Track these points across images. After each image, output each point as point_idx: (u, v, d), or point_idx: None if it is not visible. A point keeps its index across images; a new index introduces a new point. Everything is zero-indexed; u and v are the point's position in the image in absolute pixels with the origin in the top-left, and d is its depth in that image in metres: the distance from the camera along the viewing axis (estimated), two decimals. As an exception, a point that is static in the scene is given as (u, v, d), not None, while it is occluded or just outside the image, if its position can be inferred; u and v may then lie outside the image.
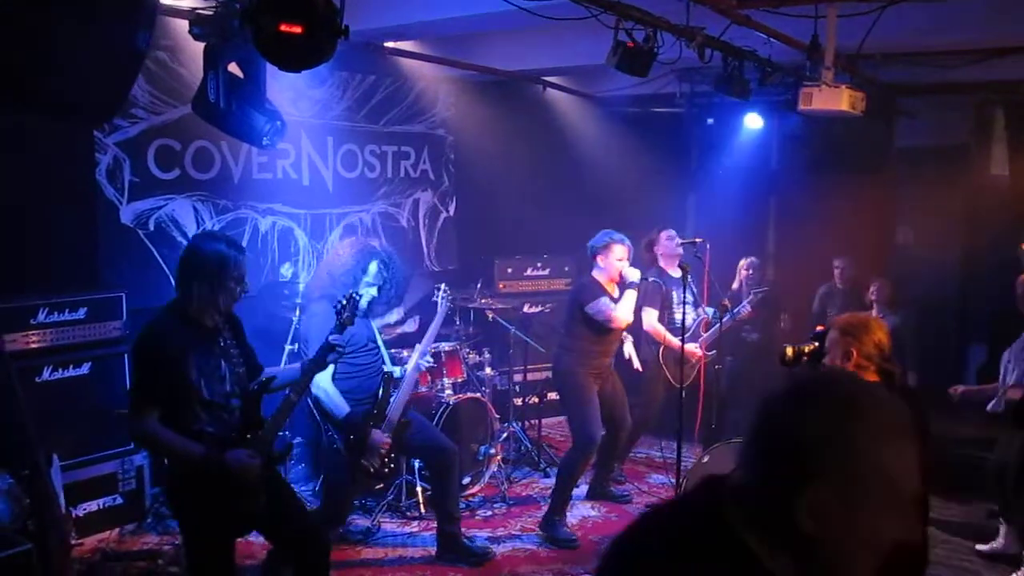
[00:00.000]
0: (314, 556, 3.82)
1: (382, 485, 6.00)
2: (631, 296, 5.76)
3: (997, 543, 5.35)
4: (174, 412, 3.40)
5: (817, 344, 3.48)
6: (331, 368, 4.78)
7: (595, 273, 5.87)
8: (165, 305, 3.58)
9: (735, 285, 7.63)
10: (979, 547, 5.42)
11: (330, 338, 3.81)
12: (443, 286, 5.49)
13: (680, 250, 6.37)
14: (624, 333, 6.19)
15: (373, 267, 4.99)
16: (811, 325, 7.63)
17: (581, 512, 6.13)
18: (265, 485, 3.57)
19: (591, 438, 5.74)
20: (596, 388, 5.84)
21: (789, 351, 3.55)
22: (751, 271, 7.68)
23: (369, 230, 7.40)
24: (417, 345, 5.44)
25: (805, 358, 3.53)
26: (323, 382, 4.76)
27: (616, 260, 5.76)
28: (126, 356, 5.52)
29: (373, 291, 4.99)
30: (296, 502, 3.91)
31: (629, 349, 6.50)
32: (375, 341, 5.12)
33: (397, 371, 5.23)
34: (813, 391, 1.37)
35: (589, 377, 5.81)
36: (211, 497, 3.42)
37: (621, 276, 5.77)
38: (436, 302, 5.46)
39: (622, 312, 5.73)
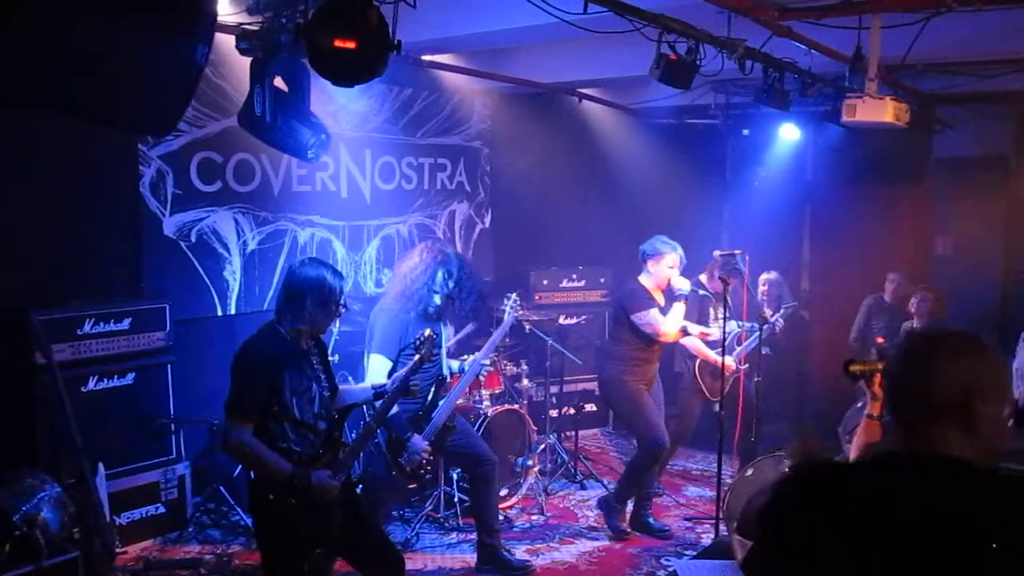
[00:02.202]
0: (391, 573, 3.88)
1: (417, 497, 6.04)
2: (680, 309, 5.72)
3: None
4: (264, 427, 3.51)
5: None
6: (389, 366, 4.86)
7: (642, 278, 5.83)
8: (264, 323, 3.70)
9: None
10: None
11: (411, 381, 3.95)
12: (514, 295, 5.51)
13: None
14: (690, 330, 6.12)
15: (439, 276, 5.04)
16: (856, 337, 7.62)
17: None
18: (342, 507, 3.67)
19: (659, 442, 5.75)
20: (646, 394, 5.83)
21: (857, 367, 3.48)
22: (768, 287, 7.55)
23: (406, 242, 7.44)
24: (476, 353, 5.43)
25: (876, 374, 3.45)
26: (379, 379, 4.78)
27: (668, 267, 5.73)
28: (169, 367, 5.61)
29: (437, 299, 5.03)
30: (374, 523, 4.00)
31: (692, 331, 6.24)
32: (439, 346, 5.14)
33: (455, 367, 5.29)
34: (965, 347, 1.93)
35: (640, 384, 5.80)
36: (291, 514, 3.51)
37: (669, 284, 5.74)
38: (504, 310, 5.47)
39: (670, 325, 5.70)
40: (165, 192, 5.88)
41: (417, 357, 4.04)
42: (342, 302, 3.68)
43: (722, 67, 5.02)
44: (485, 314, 5.89)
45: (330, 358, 5.74)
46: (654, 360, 5.95)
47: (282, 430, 3.53)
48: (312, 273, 3.61)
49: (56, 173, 5.30)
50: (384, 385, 4.07)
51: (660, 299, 5.78)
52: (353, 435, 5.35)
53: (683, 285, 5.70)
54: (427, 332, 4.14)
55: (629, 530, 5.83)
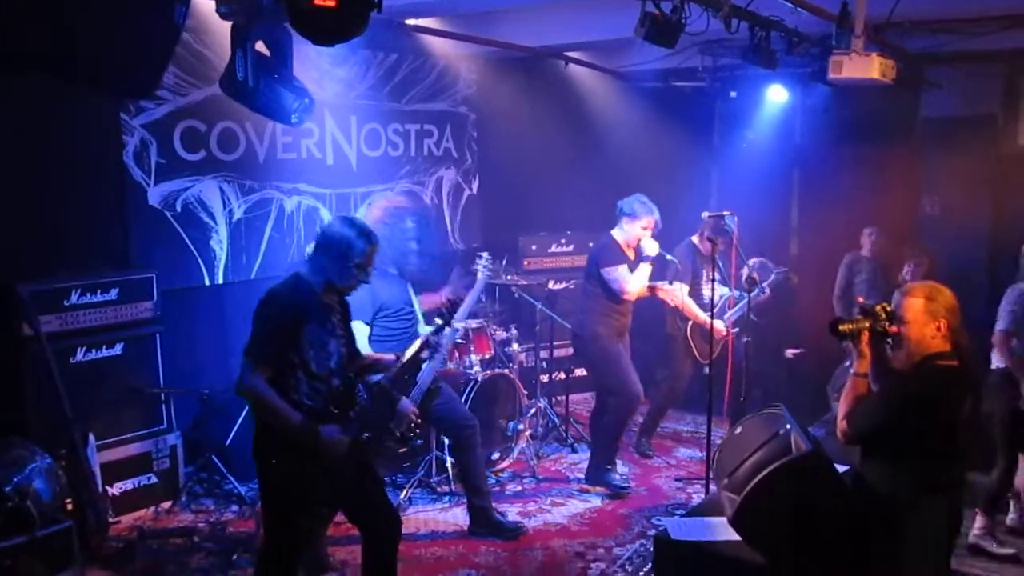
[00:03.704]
0: (389, 531, 3.89)
1: (409, 463, 6.07)
2: (645, 269, 5.83)
3: (1011, 517, 5.30)
4: (279, 377, 3.51)
5: (886, 318, 3.42)
6: (367, 330, 4.85)
7: (615, 233, 5.92)
8: (291, 274, 3.71)
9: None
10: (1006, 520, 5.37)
11: (429, 339, 4.05)
12: (485, 255, 5.50)
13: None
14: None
15: (394, 234, 5.01)
16: (839, 296, 7.63)
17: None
18: (350, 466, 3.67)
19: (634, 393, 5.86)
20: (619, 347, 5.89)
21: (845, 327, 3.50)
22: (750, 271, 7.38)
23: (394, 209, 7.39)
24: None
25: (863, 332, 3.47)
26: (362, 346, 4.78)
27: (641, 228, 5.80)
28: (158, 337, 5.59)
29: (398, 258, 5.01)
30: (379, 487, 3.98)
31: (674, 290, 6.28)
32: (411, 305, 5.12)
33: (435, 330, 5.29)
34: None
35: (613, 337, 5.87)
36: (295, 465, 3.52)
37: (639, 245, 5.78)
38: (476, 270, 5.45)
39: (635, 284, 5.81)
40: (149, 162, 5.83)
41: (441, 322, 4.25)
42: (366, 266, 3.68)
43: (707, 26, 4.97)
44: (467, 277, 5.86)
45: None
46: (627, 313, 6.02)
47: (296, 381, 3.54)
48: (340, 230, 3.65)
49: (39, 144, 5.26)
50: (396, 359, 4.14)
51: (631, 255, 5.88)
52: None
53: (652, 248, 5.77)
54: (454, 297, 4.24)
55: (630, 484, 5.91)
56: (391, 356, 4.33)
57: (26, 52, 2.51)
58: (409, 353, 4.09)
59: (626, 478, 6.19)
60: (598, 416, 6.18)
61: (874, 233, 7.57)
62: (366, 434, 4.75)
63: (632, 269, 5.83)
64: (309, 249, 6.59)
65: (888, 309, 3.45)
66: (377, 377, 4.48)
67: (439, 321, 4.41)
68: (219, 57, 5.67)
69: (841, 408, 3.52)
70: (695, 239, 6.51)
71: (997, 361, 5.16)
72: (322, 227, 3.73)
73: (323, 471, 3.55)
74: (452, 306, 4.34)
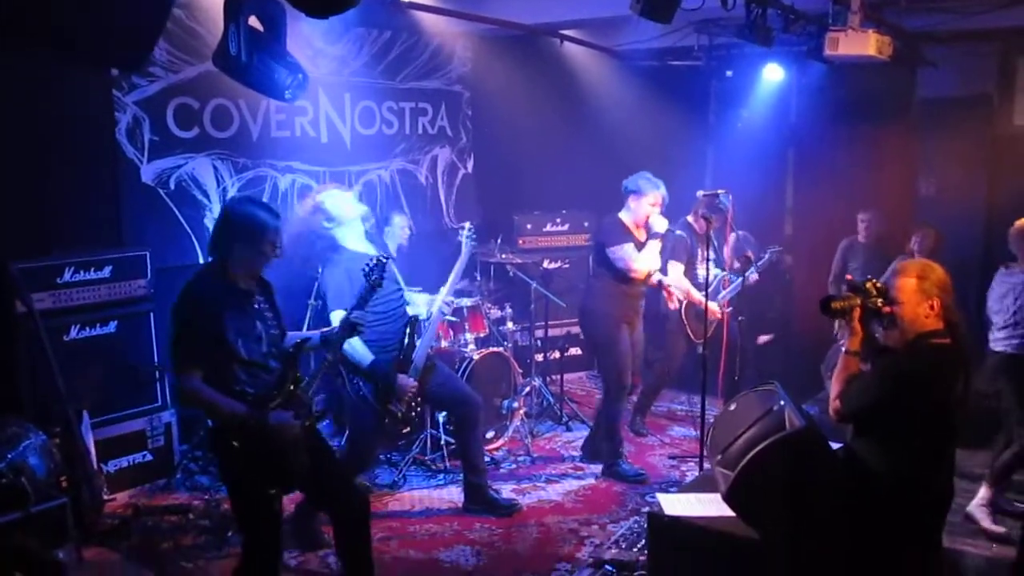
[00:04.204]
0: (355, 513, 3.88)
1: (405, 441, 6.07)
2: (655, 246, 5.73)
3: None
4: (215, 372, 3.46)
5: (877, 295, 3.42)
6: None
7: (622, 214, 5.83)
8: (201, 266, 3.65)
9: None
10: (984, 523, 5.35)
11: (352, 316, 3.85)
12: (468, 224, 5.38)
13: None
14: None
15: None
16: (833, 281, 7.63)
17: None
18: (305, 445, 3.64)
19: (623, 381, 5.85)
20: (625, 333, 5.85)
21: (837, 304, 3.50)
22: (734, 242, 7.08)
23: (388, 187, 7.38)
24: (441, 288, 5.34)
25: (855, 309, 3.47)
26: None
27: (649, 205, 5.72)
28: (151, 314, 5.58)
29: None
30: (336, 461, 3.97)
31: (657, 276, 6.20)
32: (397, 283, 5.08)
33: (423, 312, 5.25)
34: None
35: (620, 322, 5.82)
36: (253, 455, 3.49)
37: (648, 222, 5.74)
38: (460, 241, 5.33)
39: (643, 262, 5.71)
40: (142, 139, 5.80)
41: (367, 285, 3.95)
42: (277, 243, 3.60)
43: (703, 2, 4.95)
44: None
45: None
46: (638, 295, 5.95)
47: (233, 372, 3.49)
48: (246, 211, 3.56)
49: (31, 122, 5.21)
50: (332, 329, 4.01)
51: (640, 236, 5.78)
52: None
53: (661, 224, 5.69)
54: (375, 258, 4.04)
55: (644, 471, 5.95)
56: (316, 332, 4.14)
57: (13, 21, 2.48)
58: (339, 325, 3.96)
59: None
60: (603, 405, 6.15)
61: (868, 219, 7.55)
62: (400, 409, 4.71)
63: (640, 248, 5.75)
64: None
65: (878, 285, 3.45)
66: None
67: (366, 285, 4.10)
68: (212, 34, 5.64)
69: (833, 387, 3.53)
70: (690, 218, 6.49)
71: (1003, 345, 5.18)
72: (221, 213, 3.63)
73: (279, 455, 3.52)
74: (375, 265, 4.13)
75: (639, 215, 5.75)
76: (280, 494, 3.69)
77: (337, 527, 3.91)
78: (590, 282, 6.06)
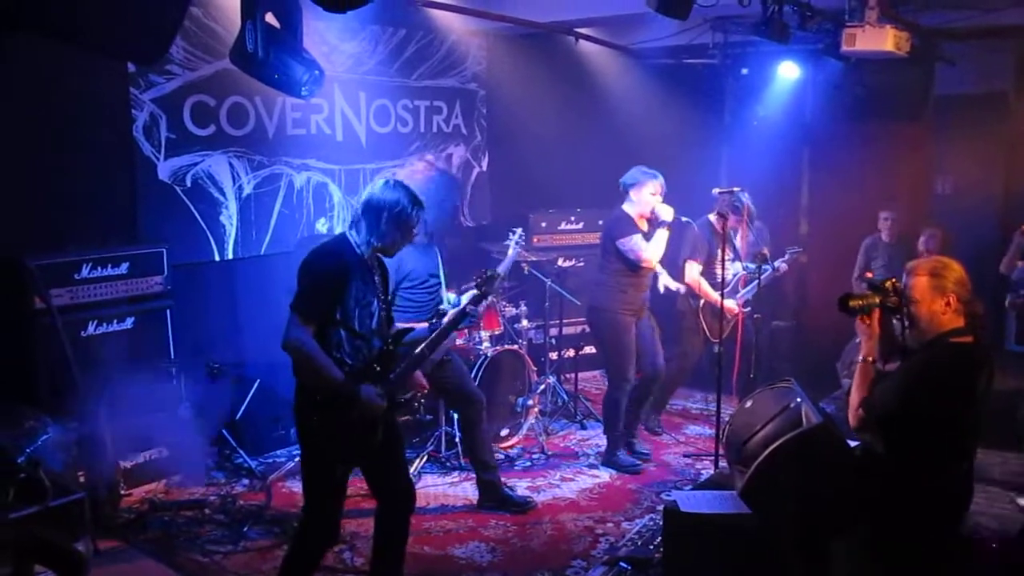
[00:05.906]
0: (405, 504, 3.93)
1: (419, 438, 6.08)
2: (662, 235, 5.78)
3: None
4: (323, 333, 3.55)
5: (895, 294, 3.40)
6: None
7: (627, 206, 5.88)
8: (338, 235, 3.78)
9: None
10: (1020, 500, 5.34)
11: (467, 308, 4.05)
12: (519, 230, 5.51)
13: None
14: (659, 266, 6.17)
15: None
16: (857, 278, 7.60)
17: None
18: (384, 427, 3.71)
19: (628, 375, 5.89)
20: (633, 327, 5.86)
21: (856, 302, 3.48)
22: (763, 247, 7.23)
23: (403, 185, 7.38)
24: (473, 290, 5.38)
25: (874, 308, 3.45)
26: None
27: (649, 195, 5.77)
28: (168, 311, 5.60)
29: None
30: (403, 450, 4.02)
31: (665, 281, 6.41)
32: (438, 276, 5.09)
33: (452, 299, 5.29)
34: None
35: (626, 316, 5.85)
36: (334, 422, 3.55)
37: (653, 212, 5.75)
38: (508, 244, 5.49)
39: (652, 251, 5.77)
40: (159, 136, 5.83)
41: (478, 292, 4.15)
42: (416, 229, 3.78)
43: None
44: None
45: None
46: (643, 287, 5.99)
47: (339, 339, 3.58)
48: (392, 195, 3.68)
49: (49, 119, 5.25)
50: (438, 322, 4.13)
51: (644, 227, 5.84)
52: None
53: (666, 213, 5.73)
54: (488, 271, 4.21)
55: (640, 462, 5.98)
56: (423, 324, 4.30)
57: (34, 13, 2.49)
58: (446, 321, 4.07)
59: (647, 455, 6.24)
60: (605, 396, 6.18)
61: (891, 218, 7.52)
62: (404, 396, 4.76)
63: (648, 238, 5.79)
64: (320, 225, 6.67)
65: (897, 285, 3.43)
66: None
67: (476, 292, 4.37)
68: (228, 32, 5.66)
69: (854, 397, 3.47)
70: (712, 217, 6.46)
71: None
72: (370, 191, 3.74)
73: (358, 428, 3.59)
74: (488, 278, 4.29)
75: (643, 206, 5.79)
76: (348, 468, 3.75)
77: (383, 514, 3.94)
78: (597, 276, 6.09)
